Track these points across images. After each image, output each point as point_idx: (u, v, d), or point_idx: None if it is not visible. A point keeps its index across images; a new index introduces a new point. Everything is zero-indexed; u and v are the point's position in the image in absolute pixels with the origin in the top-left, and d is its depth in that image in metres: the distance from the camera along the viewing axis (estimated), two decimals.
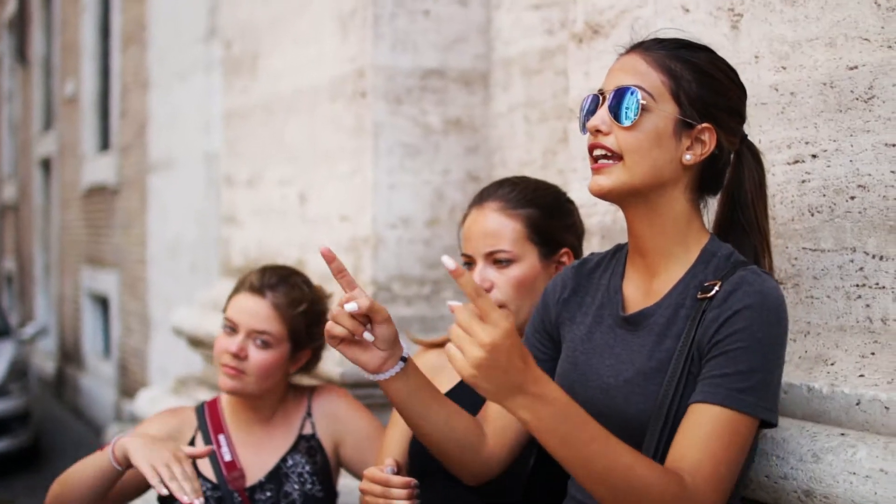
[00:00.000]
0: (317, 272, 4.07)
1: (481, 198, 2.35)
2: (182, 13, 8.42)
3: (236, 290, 2.68)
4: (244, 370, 2.59)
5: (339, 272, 1.82)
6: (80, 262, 12.96)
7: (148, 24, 9.63)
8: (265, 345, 2.61)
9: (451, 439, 1.90)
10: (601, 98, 1.81)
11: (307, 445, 2.70)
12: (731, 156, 1.86)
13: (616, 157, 1.77)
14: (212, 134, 7.31)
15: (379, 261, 3.70)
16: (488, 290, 2.25)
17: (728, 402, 1.64)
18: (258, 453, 2.68)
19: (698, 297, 1.74)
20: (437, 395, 1.90)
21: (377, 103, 3.70)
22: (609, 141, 1.77)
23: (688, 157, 1.77)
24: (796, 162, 2.08)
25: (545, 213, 2.30)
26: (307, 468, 2.67)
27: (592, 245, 2.65)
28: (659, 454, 1.70)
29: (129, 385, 10.17)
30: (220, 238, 5.29)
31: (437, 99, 3.80)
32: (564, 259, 2.30)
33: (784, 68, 2.11)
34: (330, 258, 1.81)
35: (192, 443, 2.68)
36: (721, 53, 1.90)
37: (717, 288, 1.71)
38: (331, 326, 1.80)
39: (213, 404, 2.77)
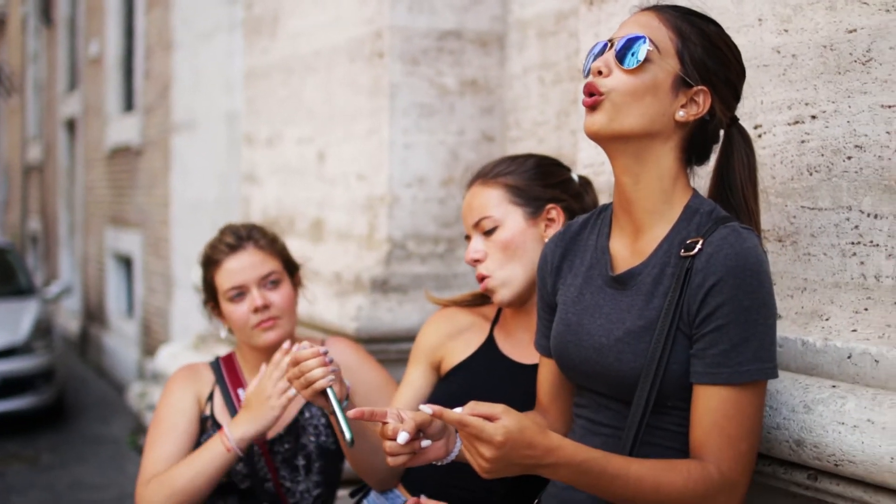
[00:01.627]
0: (335, 231, 4.14)
1: (470, 182, 2.46)
2: None
3: (215, 265, 2.73)
4: (276, 315, 2.68)
5: (372, 415, 1.85)
6: (104, 222, 13.05)
7: None
8: (275, 284, 2.71)
9: None
10: (609, 45, 1.85)
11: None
12: (722, 133, 1.91)
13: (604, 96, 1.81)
14: (233, 94, 7.35)
15: (394, 219, 3.76)
16: (480, 261, 2.35)
17: (733, 380, 1.70)
18: None
19: (682, 254, 1.78)
20: None
21: (394, 64, 3.74)
22: (603, 82, 1.81)
23: (681, 114, 1.81)
24: (796, 122, 2.12)
25: (524, 176, 2.38)
26: (322, 420, 2.74)
27: (602, 202, 2.70)
28: (649, 409, 1.76)
29: (151, 344, 10.28)
30: (241, 197, 5.36)
31: (454, 60, 3.84)
32: (553, 215, 2.36)
33: (786, 31, 2.14)
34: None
35: (210, 397, 2.74)
36: (725, 16, 1.95)
37: (699, 246, 1.75)
38: (392, 461, 1.84)
39: (229, 359, 2.83)
